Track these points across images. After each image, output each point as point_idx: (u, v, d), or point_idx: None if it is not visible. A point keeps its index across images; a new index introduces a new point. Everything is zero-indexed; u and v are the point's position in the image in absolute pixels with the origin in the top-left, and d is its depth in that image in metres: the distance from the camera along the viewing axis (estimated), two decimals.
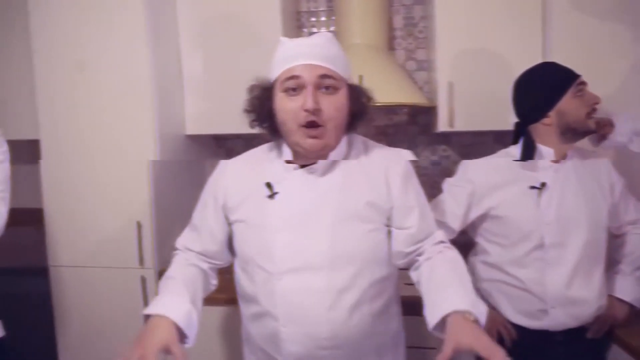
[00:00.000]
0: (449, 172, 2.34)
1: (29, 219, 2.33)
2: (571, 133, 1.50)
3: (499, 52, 1.98)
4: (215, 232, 1.31)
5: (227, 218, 1.30)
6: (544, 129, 1.51)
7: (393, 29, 2.40)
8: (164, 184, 2.04)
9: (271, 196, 1.22)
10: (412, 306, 1.36)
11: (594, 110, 1.48)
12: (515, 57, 1.94)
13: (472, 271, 1.60)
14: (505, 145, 1.63)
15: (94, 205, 2.02)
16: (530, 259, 1.47)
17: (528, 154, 1.51)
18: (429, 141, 2.41)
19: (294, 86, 1.16)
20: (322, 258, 1.18)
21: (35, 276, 2.16)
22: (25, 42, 2.06)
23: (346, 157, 1.26)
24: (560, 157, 1.52)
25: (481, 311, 1.07)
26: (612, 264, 1.61)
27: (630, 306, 1.55)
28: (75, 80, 1.99)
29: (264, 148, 1.34)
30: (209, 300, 1.39)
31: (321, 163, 1.22)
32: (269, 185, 1.23)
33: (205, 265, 1.33)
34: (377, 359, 1.27)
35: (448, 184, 1.61)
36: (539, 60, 1.93)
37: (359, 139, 1.32)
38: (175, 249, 1.36)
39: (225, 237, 1.32)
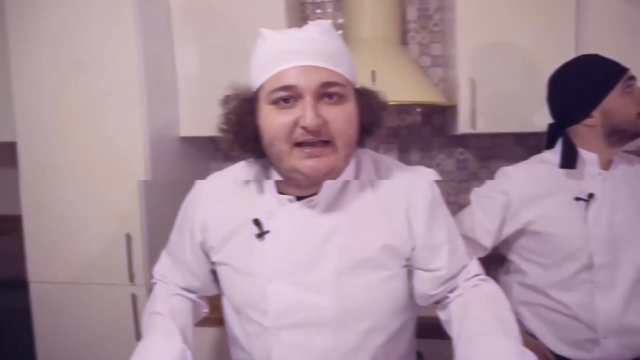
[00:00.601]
0: (472, 176, 2.21)
1: (6, 226, 2.15)
2: (618, 135, 1.30)
3: (526, 46, 1.79)
4: (194, 267, 1.09)
5: (207, 256, 1.07)
6: (587, 131, 1.31)
7: (406, 22, 2.21)
8: (156, 192, 1.84)
9: (260, 235, 0.97)
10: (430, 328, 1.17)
11: None
12: (545, 51, 1.77)
13: (506, 292, 1.42)
14: (527, 148, 1.45)
15: (79, 214, 1.82)
16: (577, 281, 1.28)
17: (569, 161, 1.31)
18: (445, 143, 2.22)
19: (287, 96, 0.87)
20: (326, 314, 0.95)
21: (12, 289, 1.97)
22: (1, 38, 1.85)
23: (352, 183, 0.99)
24: (606, 164, 1.33)
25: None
26: None
27: None
28: (56, 78, 1.78)
29: (247, 168, 1.04)
30: (200, 321, 1.20)
31: (324, 194, 0.94)
32: (257, 222, 0.97)
33: (191, 295, 1.13)
34: None
35: (477, 194, 1.42)
36: (571, 55, 1.75)
37: (367, 157, 1.04)
38: (153, 277, 1.17)
39: (207, 272, 1.10)
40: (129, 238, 1.77)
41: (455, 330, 0.97)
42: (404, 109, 2.22)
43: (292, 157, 0.89)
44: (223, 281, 1.05)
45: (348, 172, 0.98)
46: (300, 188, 0.95)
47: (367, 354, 0.96)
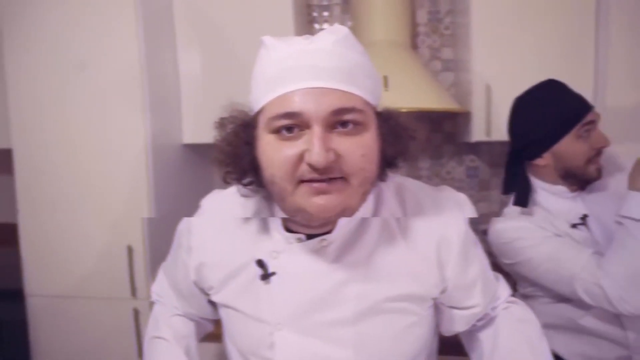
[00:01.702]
0: (483, 185, 2.15)
1: (2, 235, 2.08)
2: (572, 178, 1.27)
3: (542, 50, 1.73)
4: (190, 299, 0.99)
5: (206, 294, 0.95)
6: (542, 169, 1.29)
7: (416, 25, 2.14)
8: (159, 202, 1.76)
9: (265, 277, 0.84)
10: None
11: (598, 154, 1.25)
12: (563, 55, 1.71)
13: None
14: None
15: (78, 224, 1.74)
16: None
17: (522, 200, 1.29)
18: (455, 151, 2.16)
19: (290, 124, 0.72)
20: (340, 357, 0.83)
21: (8, 301, 1.88)
22: None
23: (371, 220, 0.85)
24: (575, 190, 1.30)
25: None
26: None
27: None
28: (54, 83, 1.71)
29: (246, 198, 0.88)
30: (208, 337, 1.13)
31: (338, 233, 0.81)
32: (260, 263, 0.85)
33: (195, 317, 1.04)
34: None
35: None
36: (591, 58, 1.71)
37: (391, 185, 0.88)
38: (151, 297, 1.08)
39: (205, 304, 0.98)
40: (130, 250, 1.70)
41: (485, 357, 0.90)
42: (414, 115, 2.16)
43: (296, 195, 0.73)
44: (225, 323, 0.94)
45: (367, 207, 0.83)
46: (310, 225, 0.81)
47: None
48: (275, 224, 0.86)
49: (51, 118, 1.72)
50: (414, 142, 0.81)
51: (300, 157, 0.71)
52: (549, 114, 1.25)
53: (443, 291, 0.88)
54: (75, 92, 1.71)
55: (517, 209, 1.31)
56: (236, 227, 0.89)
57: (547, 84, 1.30)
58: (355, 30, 2.01)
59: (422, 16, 2.14)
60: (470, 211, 0.90)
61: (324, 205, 0.72)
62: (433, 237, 0.85)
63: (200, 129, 1.93)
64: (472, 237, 0.90)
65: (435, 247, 0.85)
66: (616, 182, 1.28)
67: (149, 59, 1.72)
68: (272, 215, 0.86)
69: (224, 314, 0.93)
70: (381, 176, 0.80)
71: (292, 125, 0.72)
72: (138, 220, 1.71)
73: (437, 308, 0.92)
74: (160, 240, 1.74)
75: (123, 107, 1.70)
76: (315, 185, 0.72)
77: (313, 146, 0.70)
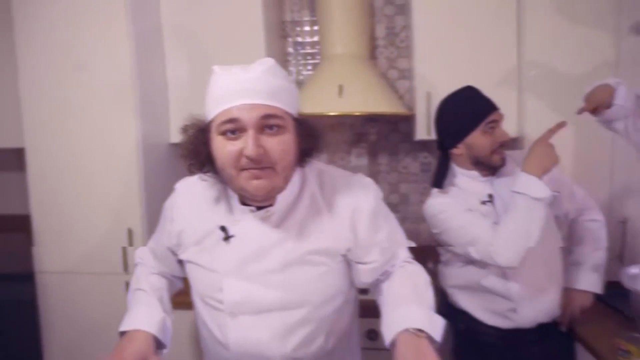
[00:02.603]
0: None
1: (16, 224, 2.36)
2: (481, 165, 1.57)
3: (475, 63, 2.03)
4: (165, 259, 1.30)
5: (175, 255, 1.25)
6: (458, 157, 1.59)
7: (375, 39, 2.45)
8: (149, 193, 2.08)
9: (227, 239, 1.13)
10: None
11: (500, 146, 1.54)
12: (492, 67, 2.01)
13: (443, 278, 1.69)
14: None
15: (82, 213, 2.06)
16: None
17: (438, 182, 1.61)
18: (411, 148, 2.46)
19: (233, 128, 1.01)
20: (273, 304, 1.13)
21: (21, 282, 2.18)
22: (10, 52, 2.08)
23: (301, 193, 1.15)
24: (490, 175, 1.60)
25: (436, 326, 1.03)
26: (568, 254, 1.70)
27: (593, 294, 1.65)
28: (60, 89, 2.03)
29: (215, 180, 1.17)
30: (180, 304, 1.47)
31: (280, 203, 1.12)
32: (223, 228, 1.14)
33: (167, 275, 1.34)
34: None
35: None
36: (515, 71, 2.01)
37: (313, 171, 1.19)
38: (135, 260, 1.38)
39: (175, 263, 1.29)
40: (130, 233, 2.02)
41: (381, 303, 1.17)
42: (373, 117, 2.46)
43: (239, 179, 1.03)
44: (190, 276, 1.23)
45: (294, 186, 1.13)
46: (257, 200, 1.10)
47: (308, 329, 1.15)
48: (234, 200, 1.14)
49: (58, 121, 2.04)
50: (321, 139, 1.11)
51: (240, 152, 1.01)
52: (462, 113, 1.55)
53: (351, 249, 1.18)
54: (77, 98, 2.02)
55: (438, 190, 1.62)
56: (206, 202, 1.19)
57: (463, 89, 1.60)
58: (320, 43, 2.31)
59: (380, 31, 2.45)
60: (375, 190, 1.21)
61: (258, 186, 1.03)
62: (348, 208, 1.15)
63: None
64: (381, 209, 1.21)
65: (349, 215, 1.15)
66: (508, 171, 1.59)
67: (140, 68, 2.04)
68: (226, 194, 1.16)
69: (188, 268, 1.23)
70: (300, 164, 1.11)
71: (234, 129, 1.01)
72: (135, 207, 2.03)
73: (349, 264, 1.22)
74: (152, 224, 2.04)
75: (118, 111, 2.01)
76: (252, 172, 1.02)
77: (248, 144, 1.00)
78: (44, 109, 2.04)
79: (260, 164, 1.01)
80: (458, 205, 1.55)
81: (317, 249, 1.14)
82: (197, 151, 1.08)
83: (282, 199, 1.12)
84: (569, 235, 1.72)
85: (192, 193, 1.22)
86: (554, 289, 1.58)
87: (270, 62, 1.06)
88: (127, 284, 1.99)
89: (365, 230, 1.16)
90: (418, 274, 1.20)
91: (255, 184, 1.03)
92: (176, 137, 2.23)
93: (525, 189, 1.41)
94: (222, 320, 1.17)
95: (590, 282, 1.64)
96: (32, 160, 2.07)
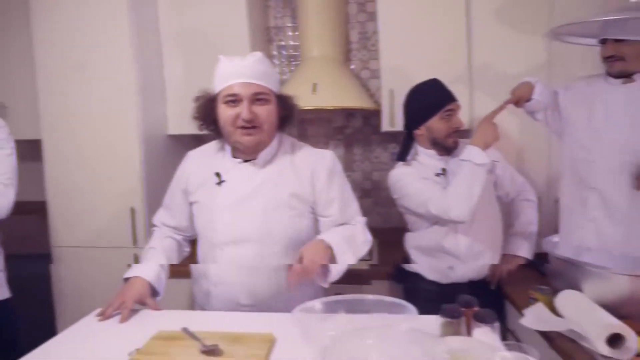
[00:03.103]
0: None
1: (33, 209, 2.67)
2: (439, 146, 1.88)
3: (432, 64, 2.32)
4: (182, 209, 1.63)
5: (187, 199, 1.61)
6: (420, 137, 1.90)
7: (349, 42, 2.76)
8: (149, 178, 2.39)
9: (219, 183, 1.52)
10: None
11: (454, 132, 1.83)
12: (446, 68, 2.31)
13: (406, 242, 2.02)
14: None
15: (92, 196, 2.38)
16: (435, 228, 1.87)
17: (402, 156, 1.93)
18: (380, 140, 2.78)
19: (233, 99, 1.44)
20: (254, 234, 1.48)
21: (38, 260, 2.47)
22: (28, 53, 2.41)
23: (277, 153, 1.54)
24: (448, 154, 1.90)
25: (339, 250, 1.40)
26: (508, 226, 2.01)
27: (523, 258, 1.96)
28: (72, 86, 2.35)
29: (217, 143, 1.61)
30: (182, 274, 1.78)
31: (261, 156, 1.51)
32: (218, 174, 1.52)
33: (178, 237, 1.68)
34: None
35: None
36: (466, 71, 2.32)
37: (287, 140, 1.60)
38: (154, 225, 1.71)
39: (186, 212, 1.63)
40: (133, 211, 2.34)
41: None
42: (349, 112, 2.77)
43: (235, 134, 1.46)
44: (194, 215, 1.59)
45: (273, 147, 1.54)
46: (246, 154, 1.52)
47: (280, 260, 1.50)
48: (227, 154, 1.55)
49: (70, 115, 2.36)
50: (295, 108, 1.55)
51: (238, 115, 1.44)
52: (425, 100, 1.86)
53: (315, 201, 1.53)
54: (87, 95, 2.35)
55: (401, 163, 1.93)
56: (207, 157, 1.60)
57: (428, 81, 1.89)
58: (300, 47, 2.62)
59: (354, 35, 2.76)
60: (333, 158, 1.57)
61: (250, 140, 1.46)
62: (310, 164, 1.55)
63: (181, 122, 2.55)
64: (337, 172, 1.58)
65: (311, 170, 1.54)
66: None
67: (141, 68, 2.36)
68: (222, 151, 1.58)
69: (194, 209, 1.59)
70: (280, 128, 1.55)
71: (234, 99, 1.44)
72: (137, 189, 2.35)
73: (316, 220, 1.56)
74: (152, 204, 2.35)
75: (122, 106, 2.34)
76: (245, 130, 1.45)
77: (243, 109, 1.43)
78: (58, 104, 2.37)
79: (252, 123, 1.44)
80: (416, 174, 1.86)
81: (290, 192, 1.51)
82: (206, 113, 1.51)
83: (263, 155, 1.52)
84: (509, 212, 2.02)
85: (198, 152, 1.66)
86: (490, 254, 1.89)
87: (259, 54, 1.51)
88: (136, 256, 2.33)
89: (322, 184, 1.54)
90: (352, 228, 1.54)
91: (247, 139, 1.46)
92: (173, 129, 2.58)
93: (469, 157, 1.72)
94: (212, 253, 1.53)
95: (519, 247, 1.96)
96: (48, 151, 2.40)
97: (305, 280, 1.36)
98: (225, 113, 1.46)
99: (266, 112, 1.46)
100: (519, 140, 2.27)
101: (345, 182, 1.62)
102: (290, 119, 1.56)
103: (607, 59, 1.66)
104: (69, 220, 2.40)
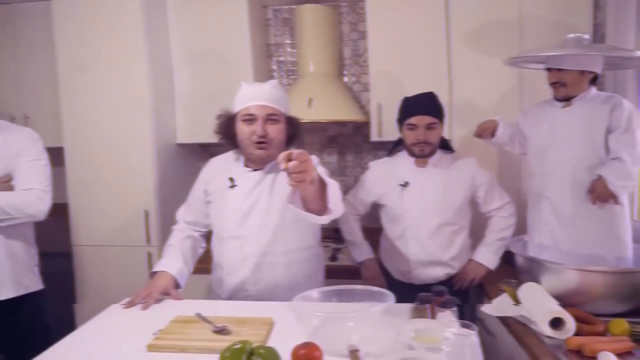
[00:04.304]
0: None
1: (55, 211, 2.89)
2: (408, 150, 2.15)
3: (415, 81, 2.57)
4: (201, 207, 1.89)
5: (206, 198, 1.86)
6: (403, 138, 2.16)
7: (343, 58, 3.02)
8: (161, 183, 2.64)
9: (232, 187, 1.79)
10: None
11: (418, 143, 2.07)
12: (427, 85, 2.55)
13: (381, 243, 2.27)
14: None
15: (110, 199, 2.63)
16: (400, 234, 2.14)
17: (390, 151, 2.23)
18: (371, 148, 3.03)
19: (250, 118, 1.72)
20: (252, 232, 1.74)
21: (60, 258, 2.70)
22: (50, 68, 2.66)
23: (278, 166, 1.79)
24: (423, 163, 2.14)
25: (327, 181, 1.54)
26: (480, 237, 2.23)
27: (487, 268, 2.17)
28: (91, 99, 2.60)
29: (233, 153, 1.87)
30: (200, 270, 2.03)
31: (267, 167, 1.77)
32: (231, 179, 1.79)
33: (195, 234, 1.93)
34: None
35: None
36: (446, 87, 2.56)
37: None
38: (175, 221, 1.96)
39: (203, 208, 1.88)
40: (146, 213, 2.60)
41: None
42: (341, 123, 3.02)
43: (250, 148, 1.73)
44: (210, 213, 1.86)
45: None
46: (256, 165, 1.78)
47: (274, 257, 1.75)
48: (241, 163, 1.82)
49: (91, 126, 2.62)
50: (300, 129, 1.82)
51: (253, 132, 1.71)
52: (402, 107, 2.14)
53: None
54: (105, 107, 2.60)
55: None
56: (225, 164, 1.86)
57: (423, 93, 2.12)
58: (297, 63, 2.87)
59: (347, 52, 3.02)
60: (316, 160, 1.77)
61: (261, 153, 1.73)
62: None
63: (189, 132, 2.82)
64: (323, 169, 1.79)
65: None
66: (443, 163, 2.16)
67: (154, 83, 2.61)
68: (237, 160, 1.84)
69: (210, 206, 1.86)
70: (287, 145, 1.80)
71: (250, 118, 1.72)
72: (150, 194, 2.60)
73: None
74: (166, 206, 2.61)
75: (137, 118, 2.59)
76: (259, 144, 1.71)
77: (258, 127, 1.71)
78: (80, 116, 2.62)
79: (264, 139, 1.71)
80: (375, 179, 2.17)
81: (284, 191, 1.68)
82: (226, 129, 1.79)
83: (269, 166, 1.78)
84: (486, 223, 2.23)
85: (218, 159, 1.93)
86: (450, 261, 2.12)
87: (275, 82, 1.79)
88: (149, 254, 2.58)
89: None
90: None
91: (259, 152, 1.73)
92: (181, 138, 2.83)
93: None
94: (221, 245, 1.79)
95: (487, 258, 2.16)
96: (70, 158, 2.65)
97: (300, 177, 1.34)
98: (243, 129, 1.73)
99: (277, 131, 1.73)
100: (497, 155, 2.55)
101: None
102: (296, 138, 1.82)
103: (552, 84, 1.93)
104: (88, 221, 2.65)
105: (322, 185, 1.51)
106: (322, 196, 1.50)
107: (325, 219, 1.52)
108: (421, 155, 2.12)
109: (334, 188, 1.56)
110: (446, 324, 1.32)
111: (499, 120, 2.10)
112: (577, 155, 1.90)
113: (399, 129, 2.17)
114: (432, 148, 2.11)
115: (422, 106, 2.08)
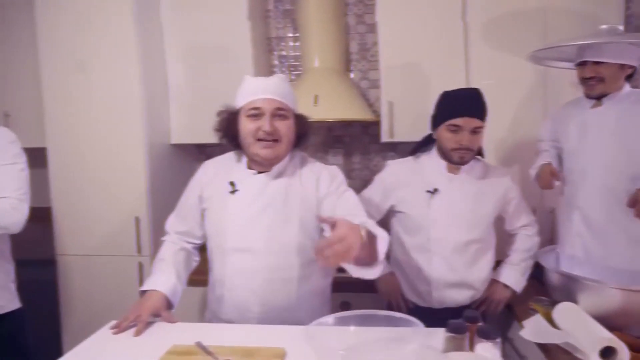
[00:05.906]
0: None
1: (37, 216, 2.69)
2: (444, 156, 1.83)
3: (429, 78, 2.40)
4: (195, 215, 1.68)
5: (201, 205, 1.66)
6: (437, 140, 1.86)
7: (350, 53, 2.82)
8: (153, 187, 2.43)
9: (233, 192, 1.58)
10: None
11: (460, 148, 1.75)
12: (440, 83, 2.35)
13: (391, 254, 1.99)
14: None
15: (96, 204, 2.42)
16: (420, 248, 1.86)
17: (414, 150, 1.95)
18: (379, 149, 2.84)
19: (256, 113, 1.52)
20: (261, 243, 1.54)
21: (42, 266, 2.51)
22: (32, 62, 2.45)
23: (288, 166, 1.60)
24: (455, 169, 1.84)
25: (378, 233, 1.35)
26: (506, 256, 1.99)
27: (513, 290, 1.91)
28: (77, 95, 2.39)
29: (232, 154, 1.68)
30: (194, 282, 1.82)
31: (274, 169, 1.57)
32: (232, 183, 1.59)
33: (188, 246, 1.72)
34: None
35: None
36: (462, 84, 2.38)
37: (298, 154, 1.67)
38: (165, 232, 1.74)
39: (198, 216, 1.68)
40: (137, 220, 2.38)
41: None
42: (347, 122, 2.82)
43: (255, 147, 1.53)
44: (206, 221, 1.65)
45: (285, 160, 1.60)
46: (261, 167, 1.58)
47: (285, 273, 1.55)
48: (243, 165, 1.62)
49: (76, 125, 2.40)
50: (309, 129, 1.63)
51: (258, 128, 1.52)
52: (442, 106, 1.80)
53: (319, 205, 1.58)
54: (92, 105, 2.38)
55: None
56: (223, 166, 1.67)
57: (466, 88, 1.85)
58: (301, 58, 2.67)
59: (354, 46, 2.82)
60: (335, 169, 1.65)
61: (268, 152, 1.53)
62: (315, 176, 1.62)
63: (184, 132, 2.61)
64: (338, 180, 1.63)
65: (315, 180, 1.61)
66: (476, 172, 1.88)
67: (146, 80, 2.40)
68: (238, 162, 1.64)
69: (206, 214, 1.65)
70: (295, 145, 1.62)
71: (257, 113, 1.52)
72: (142, 199, 2.39)
73: (321, 228, 1.58)
74: (159, 212, 2.40)
75: (127, 116, 2.38)
76: (265, 142, 1.52)
77: (265, 122, 1.51)
78: (64, 114, 2.40)
79: (272, 136, 1.52)
80: (396, 182, 1.90)
81: (298, 203, 1.57)
82: (228, 127, 1.59)
83: (276, 168, 1.59)
84: (510, 243, 1.99)
85: (214, 162, 1.73)
86: (473, 283, 1.85)
87: (282, 76, 1.62)
88: (140, 264, 2.37)
89: (326, 190, 1.59)
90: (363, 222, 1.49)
91: (265, 152, 1.53)
92: (176, 138, 2.62)
93: None
94: (222, 259, 1.59)
95: (513, 280, 1.90)
96: (53, 159, 2.43)
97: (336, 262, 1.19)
98: (247, 126, 1.54)
99: (286, 127, 1.55)
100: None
101: (350, 189, 1.63)
102: (305, 138, 1.64)
103: (587, 80, 1.73)
104: (74, 228, 2.44)
105: (370, 237, 1.31)
106: (370, 247, 1.31)
107: (377, 273, 1.39)
108: (461, 163, 1.81)
109: (383, 240, 1.37)
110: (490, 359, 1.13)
111: (549, 161, 1.89)
112: (608, 160, 1.72)
113: (432, 127, 1.88)
114: (472, 155, 1.82)
115: (470, 106, 1.76)
